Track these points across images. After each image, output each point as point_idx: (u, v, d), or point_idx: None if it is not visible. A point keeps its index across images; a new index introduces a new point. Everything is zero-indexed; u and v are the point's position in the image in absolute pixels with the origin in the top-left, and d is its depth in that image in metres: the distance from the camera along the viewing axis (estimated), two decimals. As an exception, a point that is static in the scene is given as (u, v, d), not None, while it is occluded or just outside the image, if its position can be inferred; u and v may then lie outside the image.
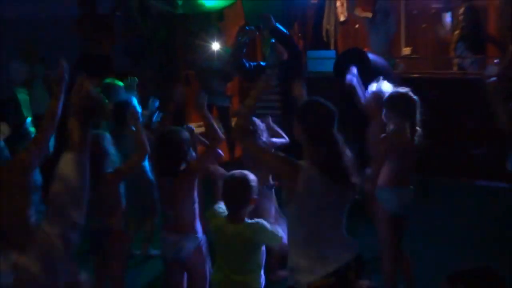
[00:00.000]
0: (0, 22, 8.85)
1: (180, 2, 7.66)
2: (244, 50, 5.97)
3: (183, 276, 4.10)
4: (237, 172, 3.59)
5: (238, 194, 3.52)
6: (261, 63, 6.34)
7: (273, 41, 6.12)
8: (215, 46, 7.73)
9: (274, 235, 3.53)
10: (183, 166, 3.96)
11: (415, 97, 4.26)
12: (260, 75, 3.54)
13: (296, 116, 3.26)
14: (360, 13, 8.67)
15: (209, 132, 4.13)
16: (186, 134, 4.07)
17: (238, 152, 7.30)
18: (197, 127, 5.32)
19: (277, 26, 5.68)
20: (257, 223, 3.53)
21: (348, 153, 3.22)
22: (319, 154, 3.15)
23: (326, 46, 8.96)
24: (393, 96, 4.35)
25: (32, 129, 4.96)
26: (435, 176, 5.71)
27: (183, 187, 3.98)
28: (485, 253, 4.48)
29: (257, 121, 4.58)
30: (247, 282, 3.56)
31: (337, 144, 3.17)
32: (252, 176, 3.56)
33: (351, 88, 4.33)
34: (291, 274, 3.24)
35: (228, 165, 6.85)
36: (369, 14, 8.44)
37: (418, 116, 4.29)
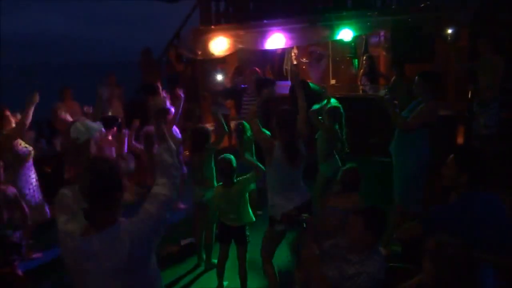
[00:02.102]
0: (95, 64, 8.70)
1: (200, 53, 7.69)
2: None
3: (204, 213, 4.00)
4: (225, 155, 3.49)
5: (226, 169, 3.44)
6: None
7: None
8: (219, 77, 7.62)
9: (251, 180, 3.44)
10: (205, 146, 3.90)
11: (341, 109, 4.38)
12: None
13: (275, 115, 3.18)
14: (302, 58, 8.71)
15: (218, 127, 4.09)
16: (208, 129, 4.01)
17: (233, 141, 7.23)
18: (210, 126, 5.24)
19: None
20: (240, 181, 3.46)
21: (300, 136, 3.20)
22: (282, 136, 3.10)
23: (286, 79, 8.83)
24: (330, 108, 4.39)
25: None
26: (351, 153, 5.68)
27: (206, 158, 3.90)
28: (378, 198, 4.45)
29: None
30: (239, 218, 3.50)
31: (293, 131, 3.12)
32: (233, 158, 3.48)
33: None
34: (270, 209, 3.18)
35: (227, 149, 6.79)
36: (307, 60, 8.44)
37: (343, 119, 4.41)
